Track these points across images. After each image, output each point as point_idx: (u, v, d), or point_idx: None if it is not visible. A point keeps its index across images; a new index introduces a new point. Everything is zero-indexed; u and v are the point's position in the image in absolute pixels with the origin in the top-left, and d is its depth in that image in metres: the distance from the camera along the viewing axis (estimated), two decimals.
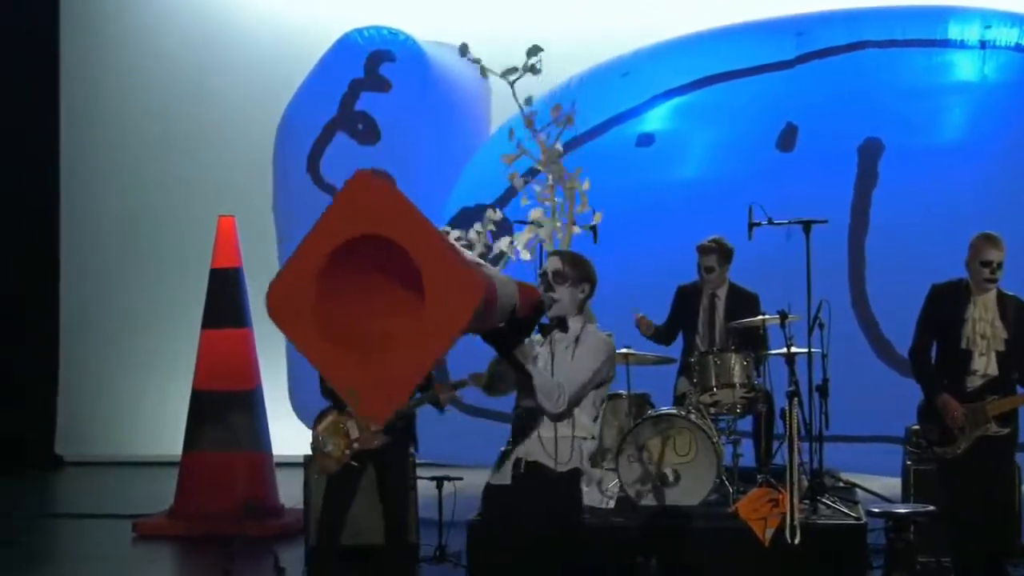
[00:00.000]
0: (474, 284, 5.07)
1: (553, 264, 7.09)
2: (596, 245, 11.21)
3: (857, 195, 13.73)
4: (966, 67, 13.74)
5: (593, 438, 7.06)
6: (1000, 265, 9.13)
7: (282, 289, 5.09)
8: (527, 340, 6.73)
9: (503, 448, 7.16)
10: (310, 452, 9.85)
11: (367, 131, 14.24)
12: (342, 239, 5.05)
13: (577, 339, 6.98)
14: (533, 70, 11.31)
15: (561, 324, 7.03)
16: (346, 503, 9.83)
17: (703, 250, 10.89)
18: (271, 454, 12.45)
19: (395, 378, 5.09)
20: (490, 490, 7.14)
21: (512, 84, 11.43)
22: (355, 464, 9.62)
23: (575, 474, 6.94)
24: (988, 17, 13.72)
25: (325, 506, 9.93)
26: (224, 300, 12.96)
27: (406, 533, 9.84)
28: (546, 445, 6.90)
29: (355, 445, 9.58)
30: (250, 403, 12.85)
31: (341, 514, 9.85)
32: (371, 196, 5.06)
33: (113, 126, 17.48)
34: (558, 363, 6.96)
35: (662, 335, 11.10)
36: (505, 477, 7.00)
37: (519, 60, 11.72)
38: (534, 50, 11.32)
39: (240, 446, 12.63)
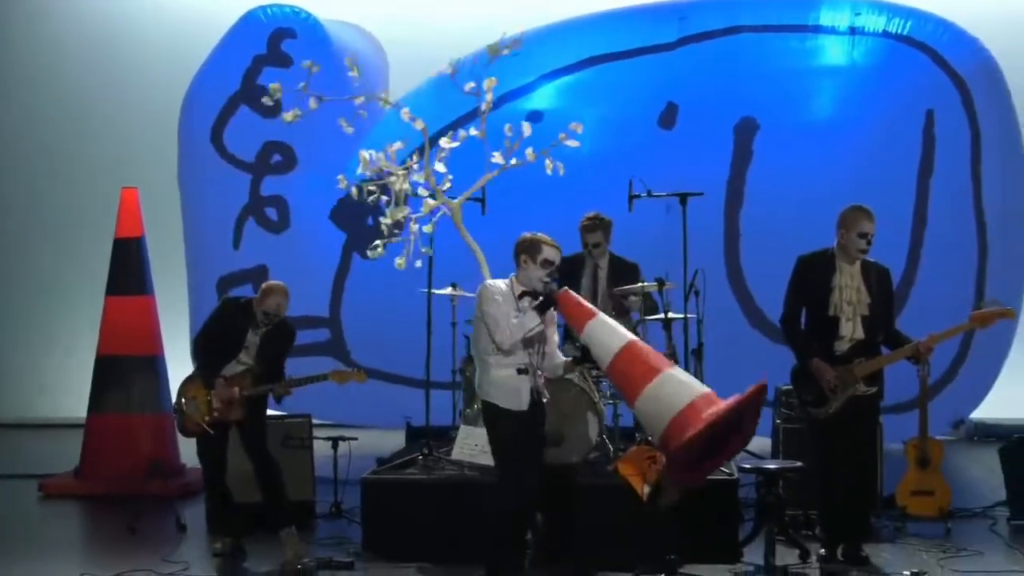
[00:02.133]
0: None
1: (556, 256, 8.56)
2: (484, 216, 11.31)
3: (733, 171, 13.92)
4: (836, 52, 13.94)
5: None
6: (874, 236, 9.32)
7: None
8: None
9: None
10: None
11: (268, 105, 14.21)
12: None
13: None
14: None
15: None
16: (220, 464, 10.00)
17: (587, 229, 10.95)
18: (173, 416, 12.44)
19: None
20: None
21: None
22: (212, 431, 9.78)
23: None
24: (857, 5, 13.93)
25: (203, 466, 10.19)
26: (127, 269, 12.92)
27: (281, 493, 9.90)
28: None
29: (215, 414, 9.73)
30: (153, 368, 12.86)
31: (218, 474, 10.08)
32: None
33: (20, 101, 17.32)
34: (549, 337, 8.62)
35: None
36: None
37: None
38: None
39: (143, 409, 12.66)
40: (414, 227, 10.51)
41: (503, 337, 8.33)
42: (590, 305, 8.63)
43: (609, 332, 8.35)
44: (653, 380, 8.11)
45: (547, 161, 10.54)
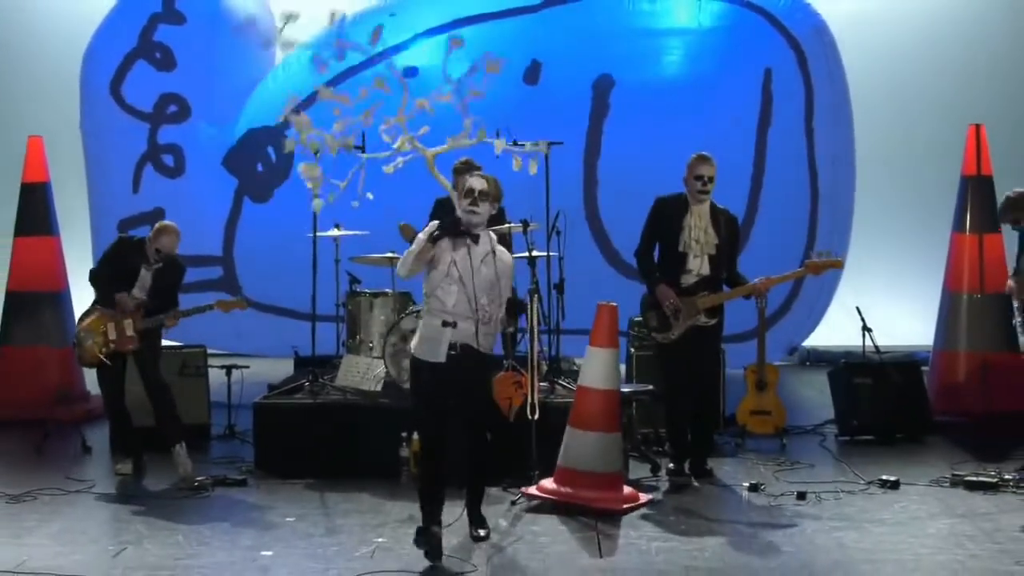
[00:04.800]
0: None
1: (479, 183, 7.71)
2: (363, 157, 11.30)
3: (591, 123, 14.03)
4: (683, 15, 14.05)
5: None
6: (712, 179, 9.46)
7: None
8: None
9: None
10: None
11: (164, 59, 14.22)
12: None
13: (493, 254, 7.72)
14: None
15: (474, 238, 7.68)
16: (119, 391, 10.03)
17: (458, 171, 10.97)
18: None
19: None
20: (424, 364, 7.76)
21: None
22: (109, 363, 9.76)
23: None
24: None
25: (103, 394, 10.20)
26: (34, 211, 12.80)
27: (172, 413, 9.92)
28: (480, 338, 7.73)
29: (111, 345, 9.70)
30: (58, 302, 12.78)
31: (118, 400, 10.09)
32: None
33: None
34: (477, 272, 7.66)
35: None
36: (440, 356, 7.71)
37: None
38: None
39: (50, 340, 12.57)
40: (362, 170, 10.25)
41: (399, 265, 7.78)
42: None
43: None
44: None
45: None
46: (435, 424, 7.75)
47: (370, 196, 10.19)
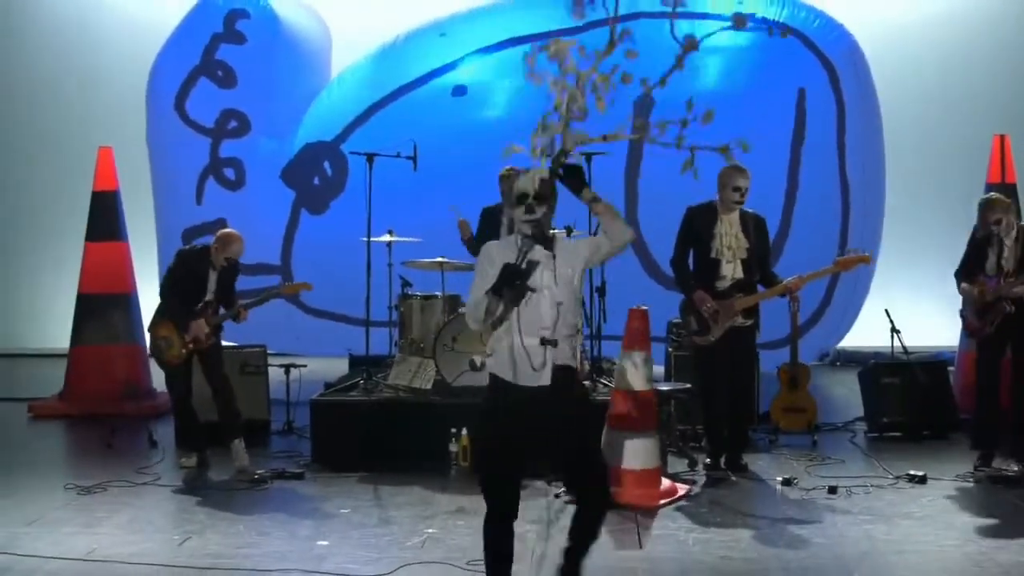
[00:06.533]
0: None
1: (529, 185, 6.12)
2: (415, 172, 11.33)
3: (631, 142, 13.95)
4: (721, 33, 13.90)
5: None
6: (747, 191, 9.41)
7: None
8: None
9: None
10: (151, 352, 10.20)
11: (226, 77, 14.29)
12: None
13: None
14: None
15: (546, 242, 6.04)
16: (187, 388, 10.06)
17: (504, 178, 10.94)
18: (145, 346, 12.33)
19: None
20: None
21: None
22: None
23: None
24: None
25: (171, 391, 10.23)
26: (104, 218, 12.87)
27: (233, 409, 9.91)
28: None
29: (190, 345, 9.74)
30: (127, 304, 12.87)
31: (185, 397, 10.09)
32: None
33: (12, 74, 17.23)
34: (563, 279, 5.97)
35: (474, 247, 11.14)
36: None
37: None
38: None
39: (119, 340, 12.69)
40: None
41: (467, 309, 6.04)
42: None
43: None
44: None
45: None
46: (514, 474, 6.04)
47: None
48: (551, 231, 6.16)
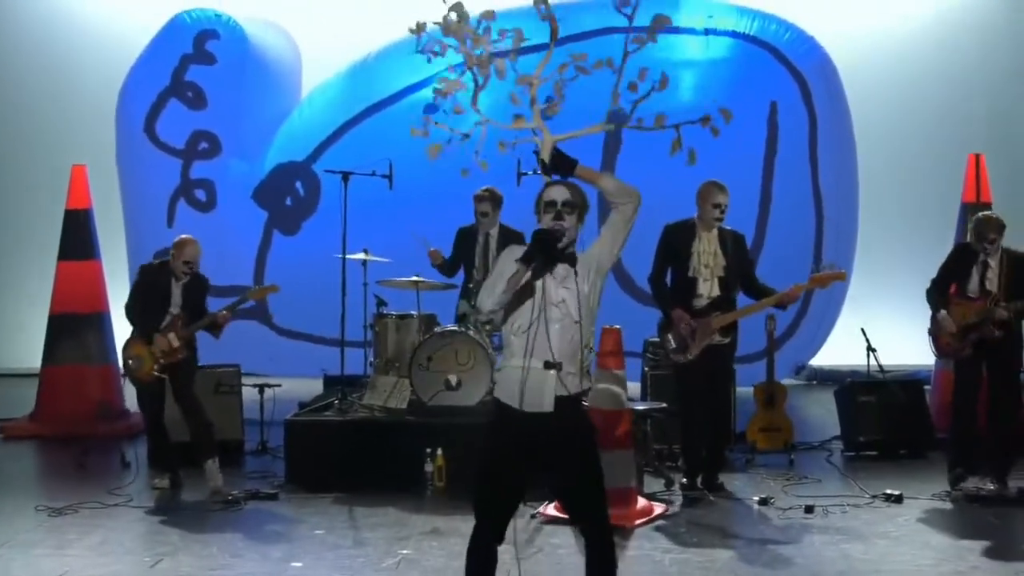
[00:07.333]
0: None
1: (560, 193, 5.83)
2: (391, 191, 11.30)
3: (604, 154, 13.98)
4: (694, 47, 14.00)
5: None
6: (727, 207, 9.40)
7: None
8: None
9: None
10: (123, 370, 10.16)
11: (196, 98, 14.36)
12: None
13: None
14: None
15: (571, 258, 5.76)
16: (159, 408, 10.01)
17: (479, 199, 10.90)
18: (118, 366, 12.25)
19: None
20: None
21: None
22: (165, 376, 9.83)
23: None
24: (711, 7, 14.07)
25: (144, 411, 10.26)
26: (77, 236, 12.79)
27: (205, 429, 9.84)
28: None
29: (161, 361, 9.68)
30: (100, 323, 12.76)
31: (157, 417, 10.06)
32: None
33: None
34: (582, 297, 5.73)
35: (447, 267, 11.10)
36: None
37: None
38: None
39: (92, 360, 12.59)
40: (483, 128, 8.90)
41: (481, 296, 5.73)
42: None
43: None
44: None
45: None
46: (509, 498, 5.86)
47: (484, 165, 8.86)
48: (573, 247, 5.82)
